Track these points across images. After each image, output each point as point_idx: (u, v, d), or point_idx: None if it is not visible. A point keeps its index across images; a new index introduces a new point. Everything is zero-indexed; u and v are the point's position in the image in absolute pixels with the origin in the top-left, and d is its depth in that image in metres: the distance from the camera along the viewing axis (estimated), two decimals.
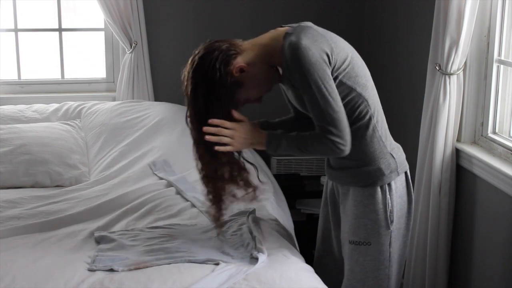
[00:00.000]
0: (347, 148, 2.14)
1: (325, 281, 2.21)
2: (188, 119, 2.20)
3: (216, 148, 2.15)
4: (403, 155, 2.33)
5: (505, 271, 2.68)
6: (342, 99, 2.15)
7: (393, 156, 2.25)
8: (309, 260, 2.35)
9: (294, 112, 2.42)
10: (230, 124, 2.15)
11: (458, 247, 3.01)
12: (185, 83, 2.17)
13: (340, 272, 2.40)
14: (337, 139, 2.11)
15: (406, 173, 2.31)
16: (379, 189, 2.24)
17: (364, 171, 2.23)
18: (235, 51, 2.15)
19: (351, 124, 2.19)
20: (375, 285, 2.30)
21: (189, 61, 2.18)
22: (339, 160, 2.27)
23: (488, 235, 2.79)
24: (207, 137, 2.13)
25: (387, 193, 2.25)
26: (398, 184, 2.28)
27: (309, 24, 2.19)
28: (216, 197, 2.26)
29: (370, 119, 2.21)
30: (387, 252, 2.28)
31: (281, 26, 2.22)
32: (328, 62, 2.09)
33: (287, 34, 2.13)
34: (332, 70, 2.12)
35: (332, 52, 2.11)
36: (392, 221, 2.26)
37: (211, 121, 2.13)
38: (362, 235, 2.26)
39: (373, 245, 2.27)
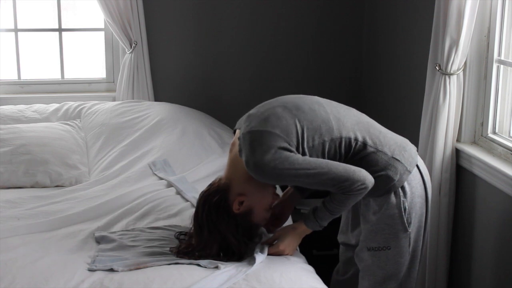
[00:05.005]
0: (367, 182, 2.15)
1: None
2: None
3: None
4: (407, 151, 2.30)
5: (505, 271, 2.68)
6: (322, 153, 2.18)
7: (397, 159, 2.25)
8: (309, 260, 2.35)
9: None
10: (277, 249, 2.26)
11: (458, 247, 3.01)
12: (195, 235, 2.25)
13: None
14: (356, 185, 2.13)
15: (417, 166, 2.31)
16: (392, 194, 2.25)
17: (377, 183, 2.22)
18: (223, 193, 2.19)
19: (345, 160, 2.22)
20: (397, 286, 2.32)
21: (193, 218, 2.26)
22: None
23: (488, 235, 2.79)
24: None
25: (401, 196, 2.25)
26: (413, 184, 2.27)
27: (249, 123, 2.18)
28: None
29: (356, 143, 2.22)
30: (407, 253, 2.30)
31: (234, 130, 2.28)
32: (288, 148, 2.11)
33: (239, 152, 2.16)
34: (295, 148, 2.13)
35: (283, 139, 2.12)
36: (410, 223, 2.26)
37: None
38: (380, 240, 2.28)
39: (393, 248, 2.28)
